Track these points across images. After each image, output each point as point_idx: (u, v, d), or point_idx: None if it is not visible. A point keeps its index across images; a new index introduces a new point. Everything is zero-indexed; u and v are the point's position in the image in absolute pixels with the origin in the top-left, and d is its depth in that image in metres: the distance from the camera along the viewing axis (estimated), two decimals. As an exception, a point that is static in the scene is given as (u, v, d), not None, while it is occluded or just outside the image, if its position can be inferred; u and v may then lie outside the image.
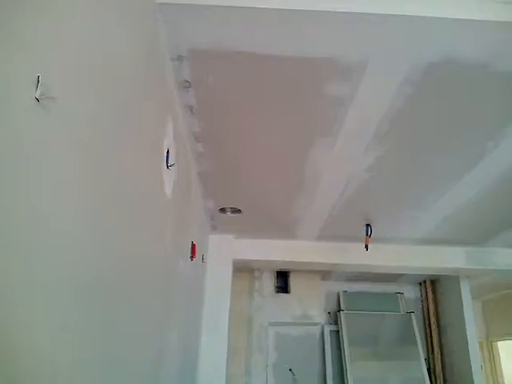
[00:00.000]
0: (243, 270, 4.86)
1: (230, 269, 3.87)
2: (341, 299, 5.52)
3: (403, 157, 2.60)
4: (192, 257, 2.69)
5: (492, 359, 6.72)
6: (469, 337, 4.85)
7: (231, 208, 3.36)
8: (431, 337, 5.36)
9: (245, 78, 1.89)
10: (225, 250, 3.90)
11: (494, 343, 6.81)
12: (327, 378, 5.09)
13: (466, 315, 4.90)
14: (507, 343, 6.67)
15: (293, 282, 5.31)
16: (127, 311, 1.37)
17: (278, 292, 5.28)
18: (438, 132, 2.33)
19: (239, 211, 3.40)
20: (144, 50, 1.47)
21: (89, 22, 0.99)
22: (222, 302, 3.73)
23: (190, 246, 2.68)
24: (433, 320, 5.41)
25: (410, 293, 5.73)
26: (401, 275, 5.24)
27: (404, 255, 4.22)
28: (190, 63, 1.81)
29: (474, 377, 4.62)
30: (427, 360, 5.29)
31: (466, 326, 4.87)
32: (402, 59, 1.79)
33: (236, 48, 1.71)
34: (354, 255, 4.07)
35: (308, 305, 5.36)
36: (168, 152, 1.82)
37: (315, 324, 5.35)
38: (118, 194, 1.21)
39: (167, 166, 1.80)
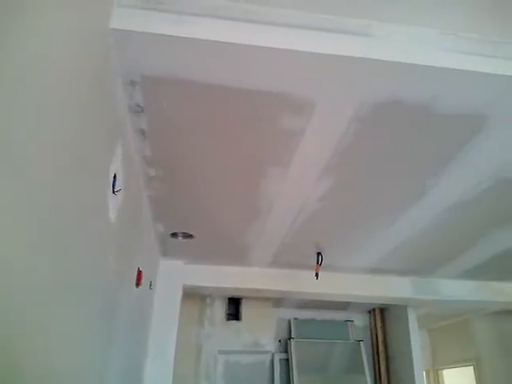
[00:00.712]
0: (194, 296, 4.79)
1: (179, 296, 3.79)
2: (292, 326, 5.52)
3: (353, 188, 2.66)
4: (138, 284, 2.62)
5: (438, 386, 6.88)
6: (415, 365, 4.94)
7: (183, 233, 3.31)
8: (379, 365, 5.43)
9: (198, 106, 1.90)
10: (174, 276, 3.82)
11: (439, 371, 6.98)
12: (275, 407, 5.04)
13: (412, 344, 5.01)
14: (452, 371, 6.85)
15: (244, 309, 5.27)
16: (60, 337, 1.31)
17: (229, 319, 5.22)
18: (384, 166, 2.41)
19: (191, 236, 3.36)
20: (94, 73, 1.45)
21: (37, 37, 0.96)
22: (169, 330, 3.63)
23: (136, 273, 2.62)
24: (381, 348, 5.49)
25: (360, 321, 5.81)
26: (351, 303, 5.32)
27: (353, 284, 4.28)
28: (142, 88, 1.80)
29: (420, 406, 4.69)
30: (375, 389, 5.34)
31: (413, 354, 4.97)
32: (351, 98, 1.85)
33: (189, 77, 1.72)
34: (305, 283, 4.08)
35: (259, 332, 5.32)
36: (115, 177, 1.78)
37: (265, 352, 5.31)
38: (53, 219, 1.17)
39: (113, 191, 1.76)
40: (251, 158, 2.31)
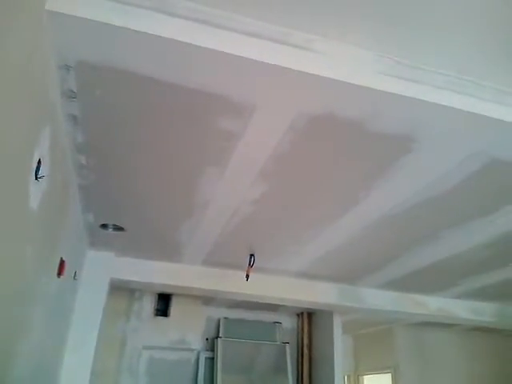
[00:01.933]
0: (122, 289, 4.68)
1: (105, 288, 3.69)
2: (220, 326, 5.52)
3: (286, 195, 2.71)
4: (59, 274, 2.53)
5: (357, 392, 7.14)
6: (336, 370, 5.09)
7: (113, 225, 3.23)
8: (302, 368, 5.55)
9: (134, 98, 1.86)
10: (102, 268, 3.72)
11: (360, 377, 7.24)
12: (197, 405, 5.03)
13: (335, 349, 5.16)
14: (372, 377, 7.13)
15: (174, 305, 5.22)
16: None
17: (157, 315, 5.15)
18: (317, 177, 2.48)
19: (122, 229, 3.28)
20: (24, 52, 1.38)
21: None
22: (91, 322, 3.53)
23: (59, 263, 2.52)
24: (306, 352, 5.62)
25: (288, 323, 5.92)
26: (281, 305, 5.40)
27: (283, 287, 4.35)
28: (77, 74, 1.74)
29: (336, 409, 4.85)
30: (296, 391, 5.46)
31: (335, 359, 5.12)
32: (288, 108, 1.89)
33: (126, 67, 1.68)
34: (236, 283, 4.10)
35: (187, 330, 5.30)
36: (40, 162, 1.71)
37: (191, 350, 5.29)
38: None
39: (36, 178, 1.69)
40: (188, 155, 2.29)
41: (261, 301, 4.57)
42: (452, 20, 1.63)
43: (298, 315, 5.95)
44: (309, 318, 5.86)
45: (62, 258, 2.56)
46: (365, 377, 7.23)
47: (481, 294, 4.67)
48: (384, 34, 1.73)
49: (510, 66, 1.82)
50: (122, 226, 3.25)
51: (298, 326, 5.92)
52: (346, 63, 1.77)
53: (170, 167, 2.42)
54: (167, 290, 4.85)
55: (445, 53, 1.79)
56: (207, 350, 5.37)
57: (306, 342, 5.68)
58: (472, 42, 1.72)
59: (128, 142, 2.19)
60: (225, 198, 2.75)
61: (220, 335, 5.41)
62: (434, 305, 4.79)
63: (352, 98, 1.82)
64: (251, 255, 3.71)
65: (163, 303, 5.19)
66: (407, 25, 1.67)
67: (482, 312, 5.00)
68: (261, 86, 1.77)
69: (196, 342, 5.34)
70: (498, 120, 1.87)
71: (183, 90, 1.79)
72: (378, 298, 4.66)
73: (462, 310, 4.92)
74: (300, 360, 5.64)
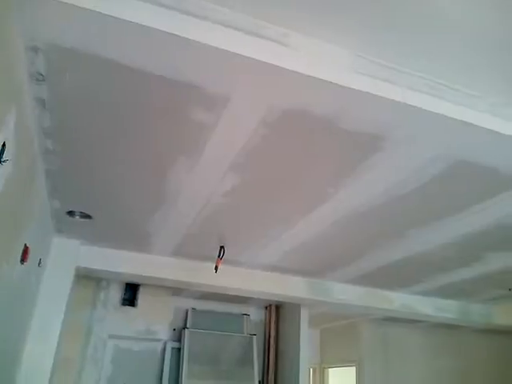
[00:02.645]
0: (89, 278, 4.61)
1: (70, 275, 3.62)
2: (188, 316, 5.51)
3: (257, 189, 2.71)
4: (23, 260, 2.47)
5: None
6: (301, 362, 5.15)
7: (81, 212, 3.17)
8: (268, 359, 5.60)
9: (106, 84, 1.82)
10: (68, 255, 3.65)
11: (325, 369, 7.35)
12: (161, 395, 5.03)
13: (301, 342, 5.22)
14: (337, 370, 7.26)
15: (142, 295, 5.17)
16: None
17: (124, 304, 5.09)
18: (288, 172, 2.49)
19: (89, 217, 3.22)
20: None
21: None
22: (56, 310, 3.47)
23: (23, 249, 2.46)
24: (272, 344, 5.67)
25: (256, 315, 5.95)
26: (250, 297, 5.41)
27: (252, 280, 4.37)
28: (46, 57, 1.69)
29: (300, 401, 4.92)
30: (261, 382, 5.50)
31: (300, 351, 5.18)
32: (261, 102, 1.89)
33: (98, 53, 1.64)
34: (205, 275, 4.09)
35: (154, 320, 5.26)
36: (4, 145, 1.66)
37: (158, 340, 5.26)
38: None
39: (0, 161, 1.64)
40: (160, 143, 2.26)
41: (230, 293, 4.58)
42: (427, 24, 1.65)
43: (266, 307, 5.98)
44: (277, 310, 5.91)
45: (26, 245, 2.50)
46: (330, 369, 7.35)
47: (444, 292, 4.80)
48: (360, 32, 1.74)
49: (480, 70, 1.86)
50: (90, 214, 3.19)
51: (265, 319, 5.96)
52: (321, 60, 1.78)
53: (141, 155, 2.39)
54: (135, 280, 4.80)
55: (417, 55, 1.82)
56: (174, 341, 5.35)
57: (272, 334, 5.73)
58: (444, 46, 1.75)
59: (97, 128, 2.14)
60: (196, 188, 2.73)
61: (187, 326, 5.40)
62: (398, 300, 4.90)
63: (325, 95, 1.84)
64: (221, 247, 3.70)
65: (131, 293, 5.14)
66: (383, 25, 1.68)
67: (444, 309, 5.14)
68: (234, 78, 1.76)
69: (163, 332, 5.31)
70: (466, 122, 1.92)
71: (156, 79, 1.76)
72: (345, 293, 4.73)
73: (425, 306, 5.05)
74: (266, 352, 5.68)
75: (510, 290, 4.55)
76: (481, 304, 5.27)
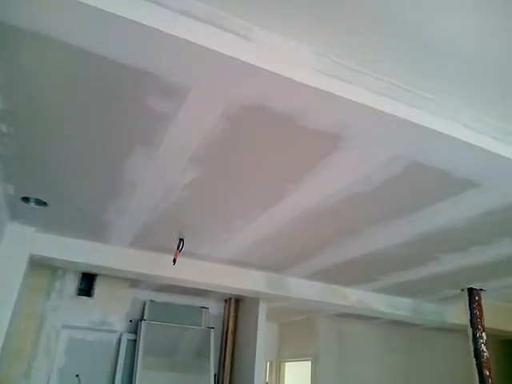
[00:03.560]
0: (44, 266, 4.49)
1: (23, 263, 3.52)
2: (146, 308, 5.45)
3: (218, 182, 2.71)
4: (-30, 246, 2.39)
5: (278, 377, 7.33)
6: (257, 356, 5.19)
7: (36, 199, 3.08)
8: (225, 353, 5.62)
9: (63, 68, 1.77)
10: (22, 242, 3.54)
11: (282, 363, 7.44)
12: (115, 387, 4.97)
13: (258, 335, 5.25)
14: (293, 364, 7.35)
15: (98, 285, 5.08)
16: None
17: (79, 295, 4.99)
18: (249, 166, 2.49)
19: (45, 204, 3.14)
20: None
21: None
22: (6, 299, 3.36)
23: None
24: (230, 337, 5.69)
25: (215, 308, 5.95)
26: (209, 290, 5.41)
27: (211, 273, 4.37)
28: (-3, 35, 1.63)
29: (254, 394, 4.97)
30: (217, 375, 5.52)
31: (257, 345, 5.22)
32: (222, 95, 1.88)
33: (54, 35, 1.59)
34: (164, 267, 4.06)
35: (110, 311, 5.19)
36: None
37: (114, 331, 5.19)
38: None
39: None
40: (117, 132, 2.22)
41: (189, 286, 4.56)
42: (387, 27, 1.68)
43: (225, 301, 5.99)
44: (236, 304, 5.93)
45: (-26, 230, 2.41)
46: (286, 363, 7.44)
47: (399, 290, 4.94)
48: (323, 32, 1.76)
49: (435, 74, 1.91)
50: (45, 201, 3.10)
51: (224, 312, 5.97)
52: (282, 56, 1.78)
53: (97, 143, 2.34)
54: (92, 270, 4.70)
55: (377, 57, 1.85)
56: (130, 332, 5.29)
57: (231, 327, 5.74)
58: (402, 49, 1.79)
59: (53, 113, 2.08)
60: (155, 180, 2.70)
61: (145, 318, 5.35)
62: (354, 297, 5.00)
63: (285, 92, 1.84)
64: (180, 240, 3.68)
65: (87, 283, 5.04)
66: (347, 26, 1.71)
67: (398, 307, 5.28)
68: (195, 69, 1.74)
69: (119, 323, 5.24)
70: (419, 125, 1.96)
71: (114, 65, 1.72)
72: (303, 288, 4.80)
73: (380, 303, 5.17)
74: (223, 345, 5.70)
75: (462, 290, 4.72)
76: (434, 303, 5.45)
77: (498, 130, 2.17)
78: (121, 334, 5.23)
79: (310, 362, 6.64)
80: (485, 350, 4.41)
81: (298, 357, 7.00)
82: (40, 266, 4.32)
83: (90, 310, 5.04)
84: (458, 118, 2.07)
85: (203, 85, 1.83)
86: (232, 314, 5.83)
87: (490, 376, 4.29)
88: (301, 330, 6.97)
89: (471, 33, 1.68)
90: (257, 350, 5.16)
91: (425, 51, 1.79)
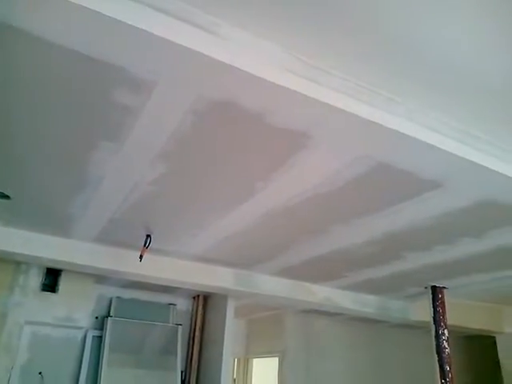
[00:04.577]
0: (7, 261, 4.37)
1: (-17, 258, 3.42)
2: (112, 305, 5.38)
3: (186, 178, 2.69)
4: None
5: (246, 374, 7.36)
6: (225, 352, 5.19)
7: (-2, 192, 2.99)
8: (193, 349, 5.60)
9: (28, 59, 1.72)
10: (-18, 236, 3.44)
11: (250, 360, 7.47)
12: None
13: (226, 332, 5.26)
14: (261, 360, 7.39)
15: (63, 281, 4.97)
16: None
17: (44, 290, 4.88)
18: (218, 163, 2.49)
19: (7, 197, 3.05)
20: None
21: None
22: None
23: None
24: (197, 334, 5.67)
25: (183, 305, 5.92)
26: (177, 287, 5.37)
27: (179, 270, 4.34)
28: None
29: (221, 391, 4.97)
30: (184, 372, 5.50)
31: (225, 342, 5.22)
32: (190, 90, 1.87)
33: (13, 24, 1.54)
34: (130, 263, 4.00)
35: (75, 307, 5.09)
36: None
37: (79, 328, 5.09)
38: None
39: None
40: (82, 125, 2.18)
41: (155, 282, 4.52)
42: (357, 28, 1.70)
43: (194, 298, 5.97)
44: (204, 300, 5.91)
45: None
46: (254, 360, 7.47)
47: (364, 287, 5.02)
48: (294, 31, 1.77)
49: (402, 77, 1.95)
50: (8, 194, 3.02)
51: (192, 309, 5.95)
52: (251, 53, 1.78)
53: (62, 137, 2.29)
54: (56, 266, 4.59)
55: (345, 59, 1.87)
56: (96, 329, 5.21)
57: (198, 324, 5.73)
58: (372, 51, 1.81)
59: (15, 106, 2.03)
60: (121, 175, 2.66)
61: (111, 314, 5.28)
62: (321, 294, 5.05)
63: (253, 89, 1.84)
64: (148, 236, 3.63)
65: (52, 278, 4.92)
66: (316, 26, 1.72)
67: (364, 303, 5.37)
68: (162, 64, 1.72)
69: (84, 320, 5.15)
70: (387, 127, 2.00)
71: (80, 57, 1.69)
72: (271, 285, 4.82)
73: (347, 300, 5.25)
74: (191, 342, 5.68)
75: (425, 288, 4.83)
76: (399, 300, 5.56)
77: (461, 132, 2.23)
78: (86, 331, 5.14)
79: (277, 359, 6.68)
80: (446, 346, 4.53)
81: (266, 353, 7.04)
82: (3, 261, 4.21)
83: (54, 306, 4.93)
84: (422, 121, 2.11)
85: (171, 79, 1.81)
86: (200, 310, 5.81)
87: (450, 371, 4.41)
88: (268, 327, 7.01)
89: (439, 36, 1.72)
90: (224, 347, 5.16)
91: (393, 53, 1.82)
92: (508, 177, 2.34)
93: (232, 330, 5.35)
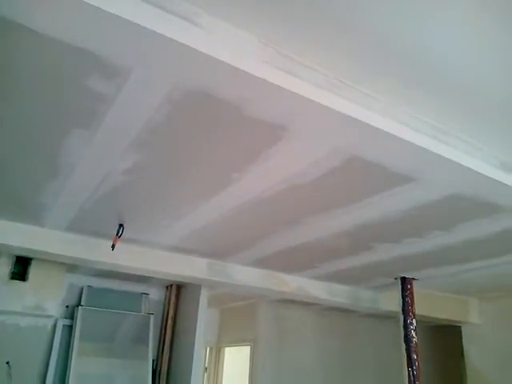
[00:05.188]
0: (-27, 248, 4.24)
1: None
2: (83, 294, 5.32)
3: (160, 168, 2.66)
4: None
5: (218, 363, 7.40)
6: (196, 341, 5.20)
7: (-35, 179, 2.90)
8: (164, 339, 5.59)
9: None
10: None
11: (222, 348, 7.52)
12: (48, 373, 4.82)
13: (198, 322, 5.27)
14: (234, 349, 7.45)
15: (33, 269, 4.86)
16: None
17: (13, 278, 4.76)
18: (193, 153, 2.47)
19: (-25, 184, 2.97)
20: None
21: None
22: None
23: None
24: (170, 323, 5.67)
25: (156, 295, 5.90)
26: (150, 277, 5.34)
27: (152, 259, 4.31)
28: None
29: (192, 379, 4.98)
30: (156, 361, 5.49)
31: (197, 331, 5.23)
32: (165, 78, 1.84)
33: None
34: (102, 252, 3.96)
35: (46, 296, 4.99)
36: None
37: (49, 317, 5.01)
38: None
39: None
40: (53, 111, 2.13)
41: (128, 272, 4.47)
42: (337, 24, 1.71)
43: (167, 287, 5.95)
44: (177, 290, 5.90)
45: None
46: (226, 349, 7.52)
47: (336, 277, 5.09)
48: (273, 22, 1.76)
49: (379, 72, 1.97)
50: (-25, 181, 2.93)
51: (165, 298, 5.93)
52: (229, 44, 1.77)
53: (33, 123, 2.23)
54: (26, 254, 4.49)
55: (324, 53, 1.88)
56: (66, 318, 5.15)
57: (171, 313, 5.72)
58: (349, 46, 1.83)
59: (-16, 88, 1.96)
60: (93, 163, 2.62)
61: (82, 303, 5.22)
62: (294, 284, 5.10)
63: (231, 80, 1.83)
64: (120, 225, 3.59)
65: (21, 266, 4.81)
66: (295, 19, 1.72)
67: (336, 293, 5.45)
68: (137, 51, 1.69)
69: (55, 309, 5.06)
70: (361, 121, 2.02)
71: (51, 41, 1.64)
72: (245, 275, 4.83)
73: (319, 290, 5.31)
74: (163, 331, 5.67)
75: (395, 278, 4.94)
76: (369, 290, 5.66)
77: (433, 128, 2.27)
78: (56, 320, 5.07)
79: (249, 347, 6.74)
80: (414, 335, 4.65)
81: (238, 342, 7.10)
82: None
83: (23, 295, 4.83)
84: (396, 116, 2.15)
85: (146, 67, 1.78)
86: (173, 300, 5.80)
87: (417, 359, 4.54)
88: (242, 316, 7.06)
89: (415, 34, 1.74)
90: (196, 336, 5.17)
91: (370, 50, 1.84)
92: (476, 172, 2.41)
93: (205, 320, 5.37)
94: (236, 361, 7.34)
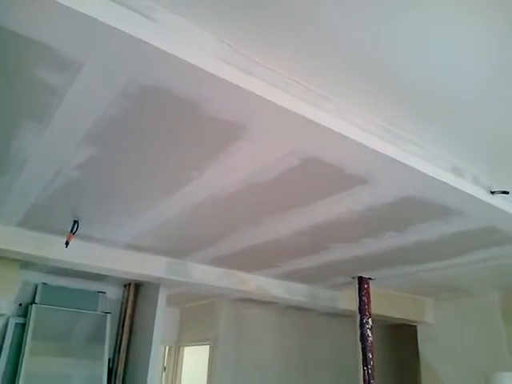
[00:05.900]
0: None
1: None
2: (38, 292, 5.16)
3: (115, 164, 2.61)
4: None
5: (177, 362, 7.33)
6: (154, 341, 5.13)
7: None
8: (121, 338, 5.50)
9: None
10: None
11: (181, 348, 7.45)
12: (-3, 374, 4.66)
13: (156, 321, 5.19)
14: (192, 348, 7.40)
15: (-17, 266, 4.69)
16: None
17: (-39, 275, 4.58)
18: (151, 149, 2.43)
19: None
20: None
21: None
22: None
23: None
24: (127, 322, 5.57)
25: (113, 293, 5.78)
26: (107, 275, 5.23)
27: (109, 257, 4.22)
28: None
29: (149, 378, 4.92)
30: (112, 360, 5.39)
31: (154, 330, 5.16)
32: (119, 72, 1.81)
33: None
34: (55, 249, 3.84)
35: (-4, 293, 4.82)
36: None
37: (0, 315, 4.84)
38: None
39: None
40: (3, 103, 2.06)
41: (84, 270, 4.37)
42: (297, 26, 1.73)
43: (125, 286, 5.84)
44: (136, 289, 5.80)
45: None
46: (186, 348, 7.46)
47: (295, 276, 5.14)
48: (231, 21, 1.76)
49: (336, 74, 2.00)
50: None
51: (123, 297, 5.83)
52: (187, 41, 1.76)
53: (-19, 114, 2.15)
54: (-26, 250, 4.33)
55: (281, 53, 1.90)
56: (19, 316, 4.98)
57: (129, 312, 5.62)
58: (308, 47, 1.85)
59: None
60: (46, 157, 2.54)
61: (36, 301, 5.06)
62: (254, 283, 5.12)
63: (187, 77, 1.82)
64: (75, 222, 3.50)
65: (-30, 263, 4.63)
66: (253, 17, 1.72)
67: (295, 292, 5.50)
68: (90, 44, 1.66)
69: (6, 306, 4.87)
70: (315, 122, 2.05)
71: (2, 31, 1.58)
72: (204, 274, 4.81)
73: (278, 289, 5.35)
74: (120, 330, 5.57)
75: (353, 278, 5.03)
76: (327, 289, 5.74)
77: (387, 131, 2.33)
78: (8, 318, 4.89)
79: (208, 346, 6.71)
80: (370, 334, 4.75)
81: (197, 341, 7.04)
82: None
83: (-28, 293, 4.65)
84: (351, 119, 2.19)
85: (99, 61, 1.75)
86: (131, 298, 5.70)
87: (372, 358, 4.64)
88: (202, 315, 7.01)
89: (372, 37, 1.78)
90: (154, 335, 5.10)
91: (328, 52, 1.87)
92: (428, 175, 2.49)
93: (163, 318, 5.30)
94: (195, 360, 7.30)
